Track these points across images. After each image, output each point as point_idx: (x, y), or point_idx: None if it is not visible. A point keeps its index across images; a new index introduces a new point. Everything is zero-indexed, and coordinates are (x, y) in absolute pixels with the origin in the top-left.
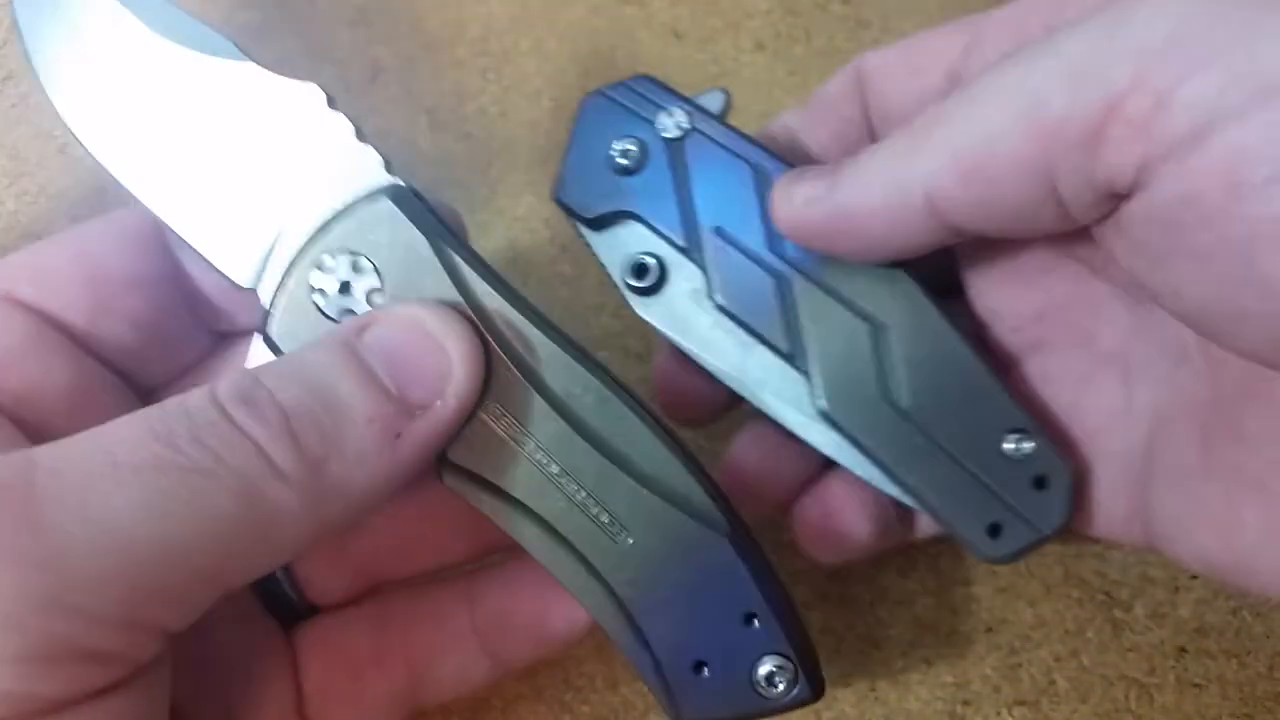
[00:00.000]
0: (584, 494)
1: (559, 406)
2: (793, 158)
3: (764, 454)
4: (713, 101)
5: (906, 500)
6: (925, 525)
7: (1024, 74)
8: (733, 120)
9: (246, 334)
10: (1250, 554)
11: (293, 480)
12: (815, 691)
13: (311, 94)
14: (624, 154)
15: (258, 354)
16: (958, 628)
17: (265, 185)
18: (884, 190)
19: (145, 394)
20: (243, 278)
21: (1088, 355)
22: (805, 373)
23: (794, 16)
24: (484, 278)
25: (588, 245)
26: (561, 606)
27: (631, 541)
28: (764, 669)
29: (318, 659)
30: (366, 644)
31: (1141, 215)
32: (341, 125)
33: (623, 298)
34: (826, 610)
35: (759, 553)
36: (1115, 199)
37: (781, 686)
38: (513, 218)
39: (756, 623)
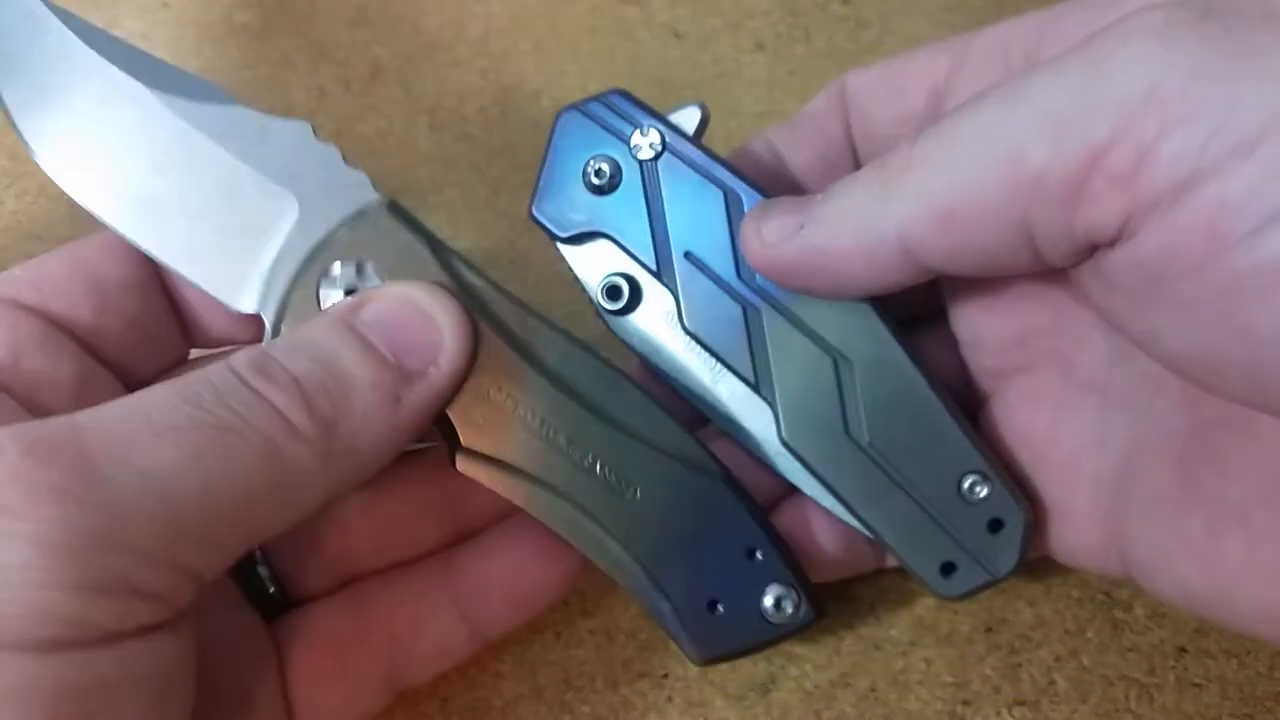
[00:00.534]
0: (590, 458)
1: (556, 381)
2: (774, 177)
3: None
4: (689, 118)
5: (865, 533)
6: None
7: (1001, 120)
8: (731, 120)
9: (218, 348)
10: (1231, 586)
11: (309, 440)
12: (818, 612)
13: (299, 129)
14: (598, 173)
15: None
16: (958, 628)
17: (260, 215)
18: (856, 232)
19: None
20: (246, 304)
21: (1067, 381)
22: (769, 402)
23: (794, 16)
24: (475, 272)
25: (564, 261)
26: (537, 569)
27: (639, 496)
28: (770, 598)
29: (300, 643)
30: (348, 626)
31: (1123, 264)
32: (329, 153)
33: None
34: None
35: (748, 494)
36: (1094, 248)
37: (789, 611)
38: (513, 218)
39: (759, 556)
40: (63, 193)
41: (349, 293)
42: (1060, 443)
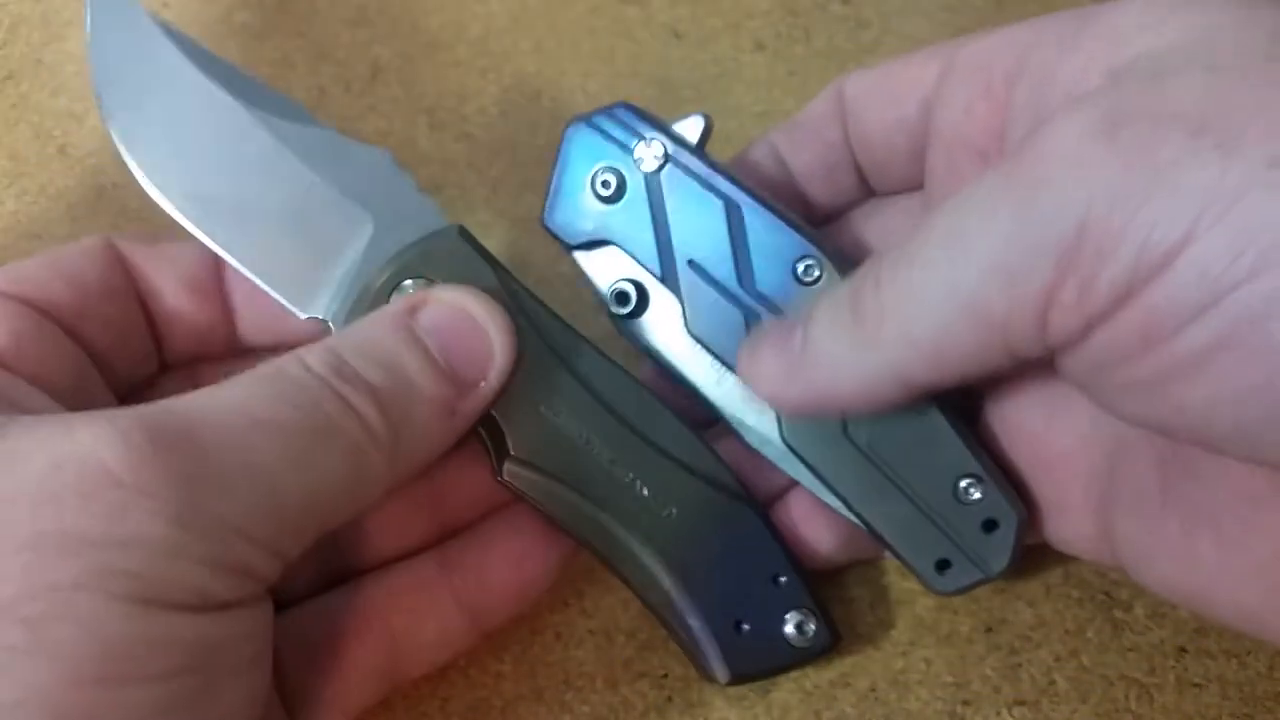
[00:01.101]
0: (630, 476)
1: (602, 401)
2: (776, 183)
3: (735, 465)
4: (692, 128)
5: (862, 528)
6: None
7: (953, 275)
8: (731, 120)
9: (188, 364)
10: (1208, 585)
11: (382, 445)
12: (834, 637)
13: (380, 155)
14: (604, 184)
15: None
16: (958, 628)
17: (335, 230)
18: (853, 380)
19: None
20: (315, 310)
21: (1060, 381)
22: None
23: (794, 16)
24: (532, 297)
25: (568, 263)
26: (535, 557)
27: (675, 515)
28: (792, 621)
29: (295, 639)
30: (345, 621)
31: (1079, 359)
32: (405, 180)
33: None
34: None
35: (770, 521)
36: (1059, 349)
37: (810, 635)
38: (513, 218)
39: (782, 580)
40: (63, 192)
41: None
42: (1054, 440)
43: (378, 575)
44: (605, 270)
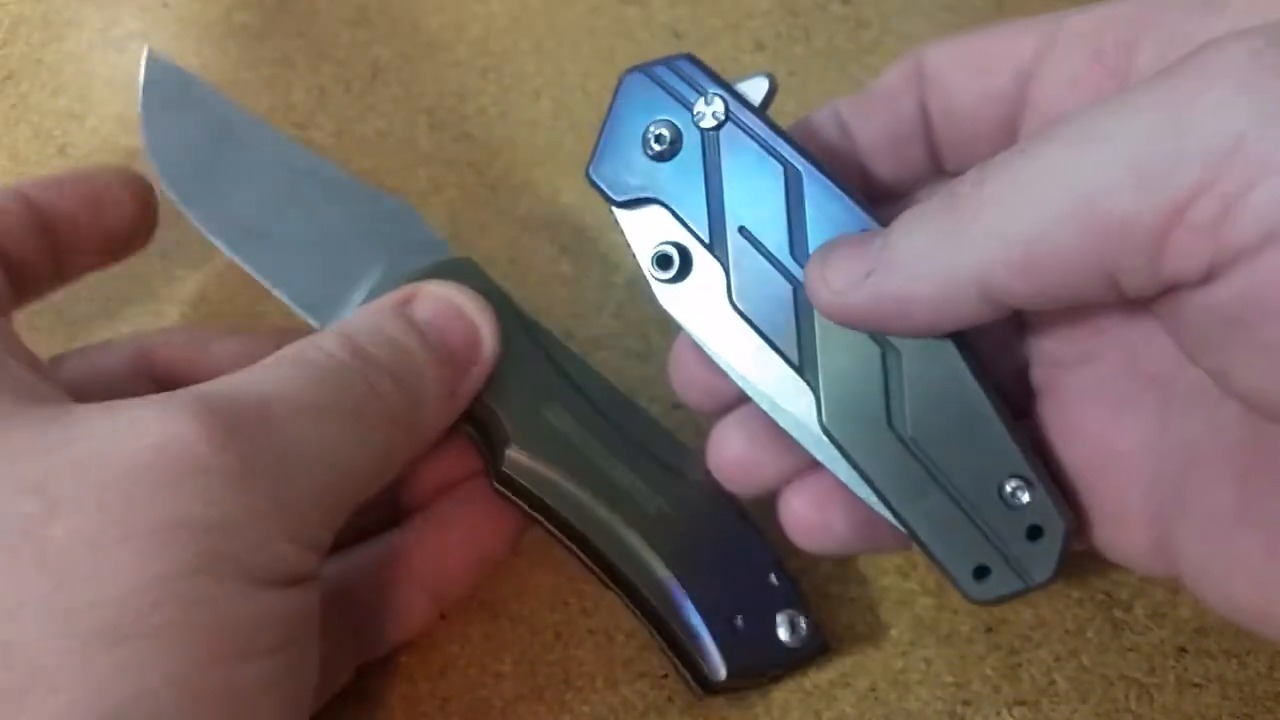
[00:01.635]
0: (625, 472)
1: (595, 406)
2: (838, 152)
3: (750, 438)
4: (756, 89)
5: (898, 525)
6: None
7: (1076, 164)
8: None
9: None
10: None
11: (402, 424)
12: (825, 643)
13: (403, 206)
14: (658, 138)
15: None
16: (958, 628)
17: (355, 261)
18: (931, 278)
19: None
20: (333, 323)
21: (1130, 376)
22: (811, 386)
23: (794, 16)
24: (528, 315)
25: (617, 225)
26: (491, 531)
27: (669, 511)
28: (784, 620)
29: None
30: None
31: (1201, 307)
32: (425, 227)
33: (646, 284)
34: (827, 610)
35: (758, 528)
36: (1175, 288)
37: (802, 634)
38: (513, 218)
39: (773, 580)
40: None
41: None
42: (1115, 441)
43: (336, 558)
44: (647, 231)
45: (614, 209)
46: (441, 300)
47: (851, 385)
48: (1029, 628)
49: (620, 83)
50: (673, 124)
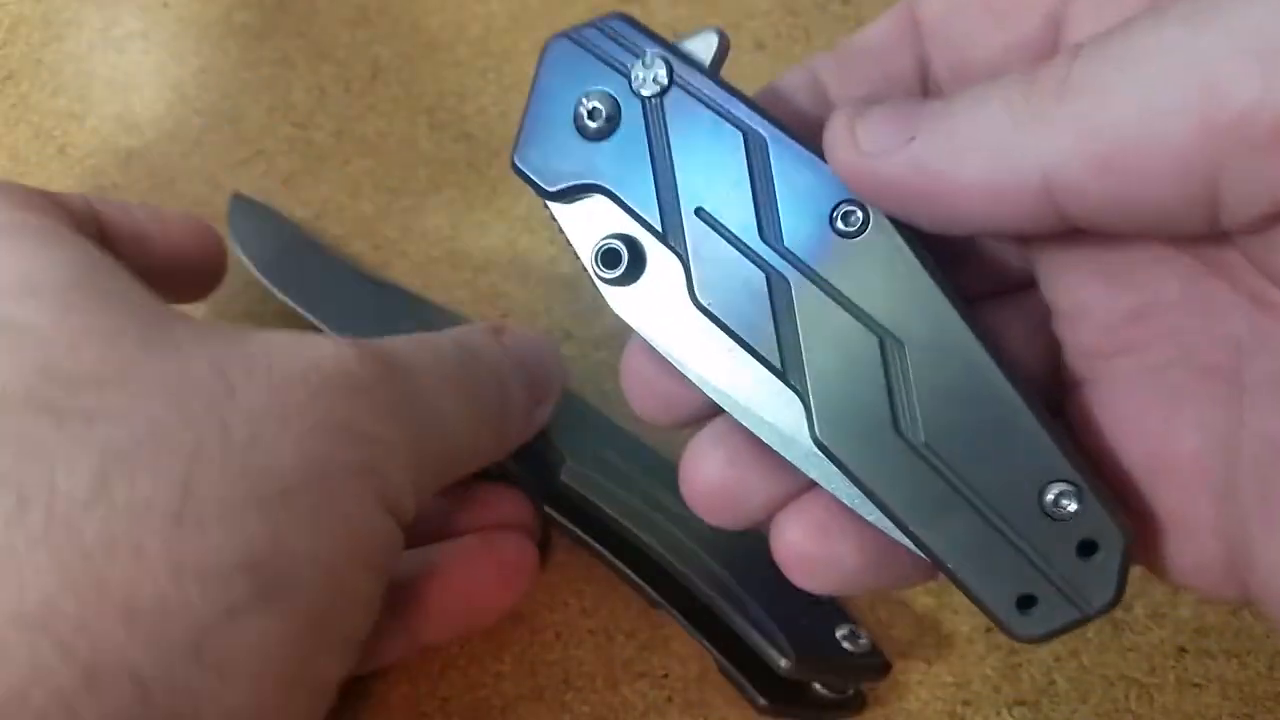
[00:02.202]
0: (672, 499)
1: (641, 453)
2: (810, 121)
3: (730, 457)
4: (703, 46)
5: (919, 553)
6: None
7: (1192, 43)
8: None
9: None
10: None
11: (495, 427)
12: (885, 662)
13: (458, 314)
14: (592, 113)
15: None
16: (958, 628)
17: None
18: (988, 161)
19: None
20: None
21: (1188, 366)
22: (799, 392)
23: (794, 16)
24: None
25: (554, 221)
26: (489, 591)
27: (721, 534)
28: (844, 632)
29: None
30: None
31: None
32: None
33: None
34: None
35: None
36: None
37: (861, 646)
38: (513, 218)
39: (823, 600)
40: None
41: None
42: (1179, 440)
43: None
44: (589, 225)
45: (547, 203)
46: (526, 338)
47: (847, 386)
48: None
49: (544, 51)
50: (608, 95)
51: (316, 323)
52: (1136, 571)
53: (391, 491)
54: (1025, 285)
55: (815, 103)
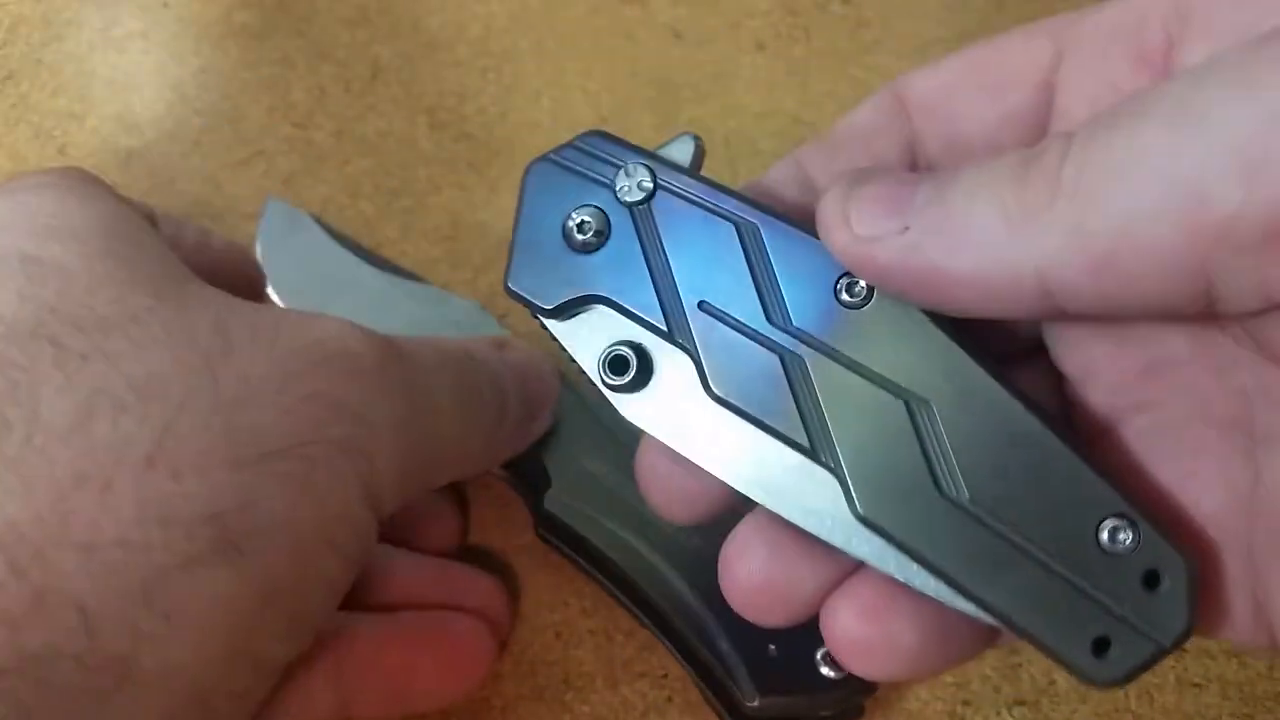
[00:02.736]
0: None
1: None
2: (800, 211)
3: (773, 550)
4: (681, 151)
5: (984, 617)
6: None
7: (1175, 150)
8: (731, 120)
9: None
10: None
11: (488, 432)
12: (869, 682)
13: (469, 304)
14: (581, 227)
15: None
16: None
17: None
18: (982, 257)
19: None
20: None
21: (1204, 421)
22: (832, 469)
23: (794, 16)
24: (573, 386)
25: (554, 340)
26: (437, 675)
27: (704, 549)
28: (824, 654)
29: None
30: None
31: None
32: (489, 319)
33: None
34: None
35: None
36: None
37: (841, 670)
38: (512, 219)
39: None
40: None
41: None
42: (1199, 497)
43: None
44: (591, 337)
45: (546, 321)
46: (526, 353)
47: (881, 456)
48: None
49: (525, 175)
50: (595, 208)
51: None
52: (1231, 644)
53: (374, 479)
54: (1034, 349)
55: (803, 193)
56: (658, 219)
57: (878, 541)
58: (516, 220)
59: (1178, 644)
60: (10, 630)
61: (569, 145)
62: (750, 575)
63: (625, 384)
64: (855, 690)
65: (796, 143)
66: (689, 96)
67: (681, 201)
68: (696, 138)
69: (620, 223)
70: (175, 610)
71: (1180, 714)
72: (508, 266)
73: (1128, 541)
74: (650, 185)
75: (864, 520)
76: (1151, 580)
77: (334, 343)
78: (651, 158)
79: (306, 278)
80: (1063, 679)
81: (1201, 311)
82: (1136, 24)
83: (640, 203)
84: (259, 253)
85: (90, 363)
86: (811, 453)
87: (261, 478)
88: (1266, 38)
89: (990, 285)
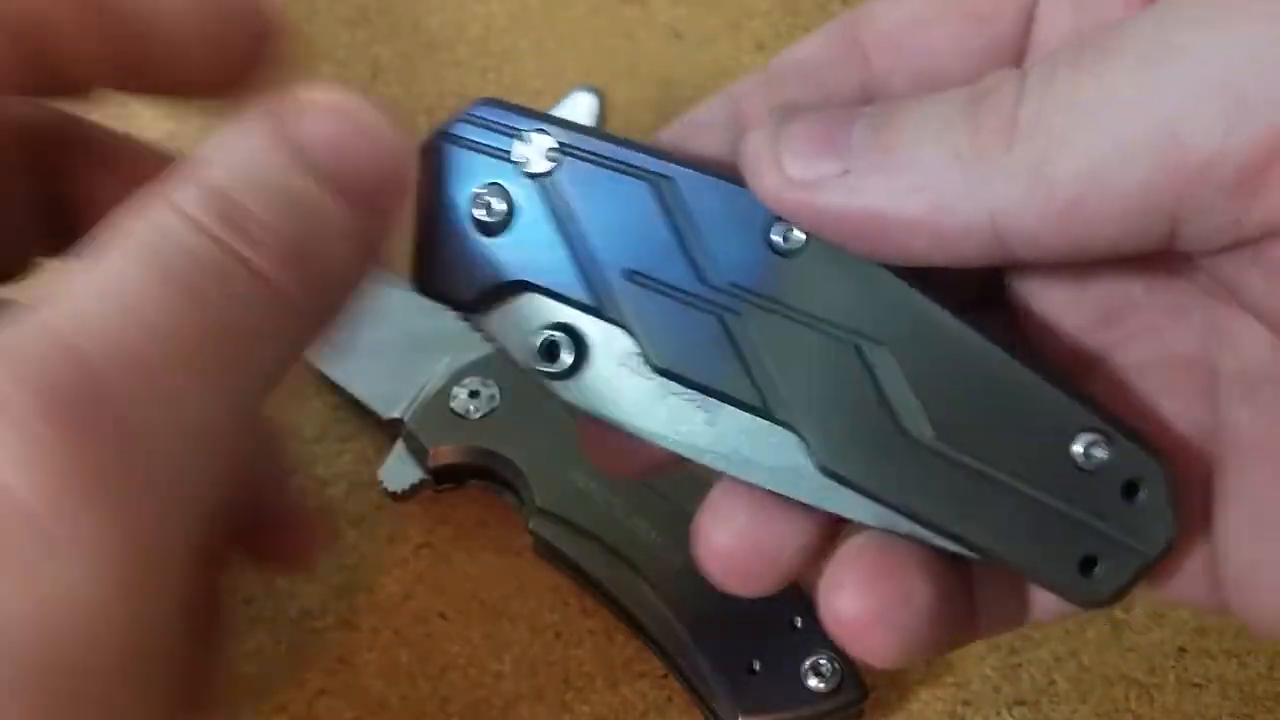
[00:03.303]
0: (645, 526)
1: None
2: (725, 156)
3: (754, 513)
4: (582, 108)
5: (965, 553)
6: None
7: (1148, 87)
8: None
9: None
10: None
11: (305, 312)
12: (861, 690)
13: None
14: (486, 209)
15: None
16: None
17: (423, 362)
18: (932, 203)
19: None
20: (394, 412)
21: (1165, 364)
22: (789, 425)
23: (794, 16)
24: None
25: (480, 334)
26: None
27: (686, 563)
28: (809, 666)
29: None
30: None
31: None
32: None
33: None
34: None
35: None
36: (1263, 238)
37: (829, 678)
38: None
39: (799, 625)
40: None
41: (472, 394)
42: (1162, 441)
43: None
44: (519, 325)
45: (468, 318)
46: (331, 110)
47: (838, 405)
48: (1029, 628)
49: (420, 159)
50: (498, 185)
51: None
52: (1179, 604)
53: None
54: (986, 297)
55: (735, 134)
56: (566, 188)
57: (848, 492)
58: (416, 212)
59: (1163, 554)
60: None
61: (459, 119)
62: (730, 542)
63: (563, 370)
64: (844, 703)
65: None
66: (689, 96)
67: (588, 165)
68: (594, 89)
69: (527, 197)
70: None
71: (1180, 714)
72: (412, 266)
73: (1103, 455)
74: (555, 152)
75: (828, 472)
76: (1130, 491)
77: None
78: (549, 120)
79: None
80: (1063, 679)
81: (1157, 250)
82: None
83: (545, 173)
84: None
85: None
86: (766, 411)
87: None
88: None
89: (941, 233)
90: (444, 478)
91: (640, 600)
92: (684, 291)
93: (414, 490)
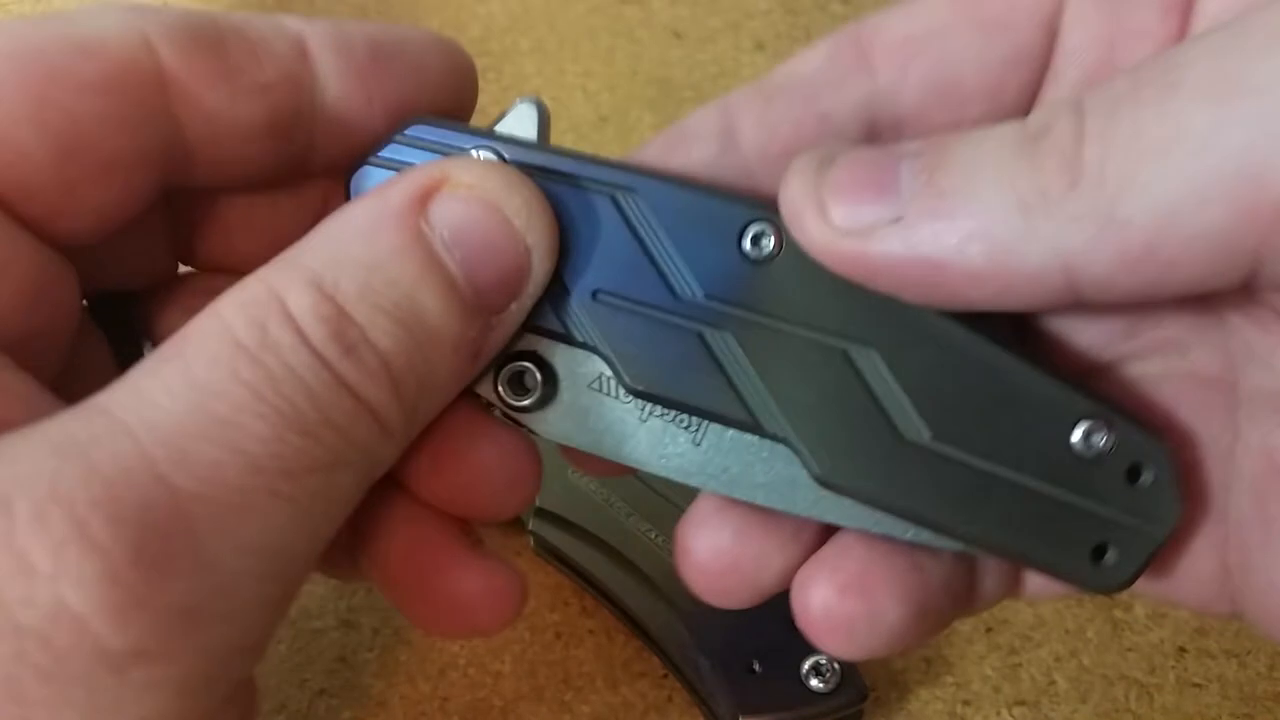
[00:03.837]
0: (645, 526)
1: None
2: (717, 170)
3: (738, 528)
4: (523, 121)
5: (972, 551)
6: (990, 585)
7: (1221, 126)
8: None
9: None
10: None
11: (397, 437)
12: (861, 690)
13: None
14: None
15: None
16: (958, 628)
17: None
18: (996, 251)
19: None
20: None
21: (1185, 378)
22: (781, 438)
23: (794, 16)
24: None
25: None
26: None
27: None
28: (809, 665)
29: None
30: None
31: None
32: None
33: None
34: None
35: None
36: None
37: (829, 679)
38: None
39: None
40: None
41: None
42: (1176, 448)
43: None
44: None
45: None
46: (476, 201)
47: (831, 413)
48: (1029, 628)
49: (345, 188)
50: None
51: None
52: (1189, 609)
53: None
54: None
55: (724, 149)
56: None
57: (846, 501)
58: None
59: (1172, 533)
60: None
61: (391, 140)
62: (708, 559)
63: (532, 403)
64: (844, 703)
65: None
66: (689, 96)
67: (541, 181)
68: (538, 101)
69: None
70: None
71: (1180, 714)
72: None
73: (1103, 441)
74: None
75: (825, 484)
76: (1134, 474)
77: (44, 641)
78: (492, 137)
79: None
80: (1063, 679)
81: (1234, 288)
82: None
83: None
84: None
85: None
86: (755, 426)
87: None
88: None
89: (1007, 281)
90: None
91: (640, 600)
92: (657, 307)
93: None
